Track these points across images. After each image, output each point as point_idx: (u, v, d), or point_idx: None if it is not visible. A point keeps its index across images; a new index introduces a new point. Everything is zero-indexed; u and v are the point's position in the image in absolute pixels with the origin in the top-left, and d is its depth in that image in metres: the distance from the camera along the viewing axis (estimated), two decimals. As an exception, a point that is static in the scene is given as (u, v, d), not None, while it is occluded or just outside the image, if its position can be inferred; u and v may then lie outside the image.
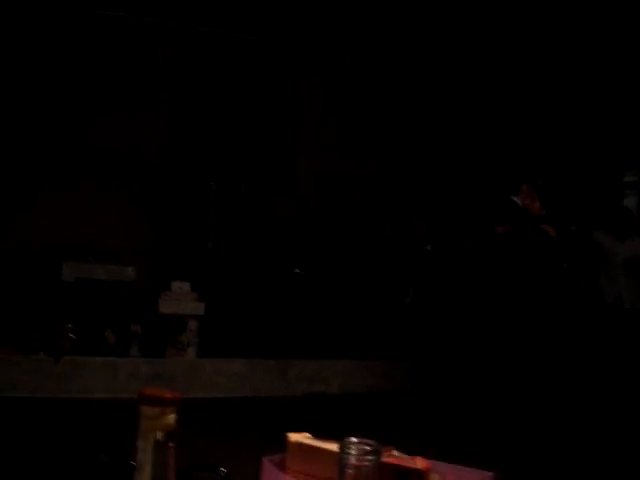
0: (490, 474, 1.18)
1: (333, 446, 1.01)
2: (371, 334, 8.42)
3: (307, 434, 1.21)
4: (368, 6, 9.43)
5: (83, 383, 6.98)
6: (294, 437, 1.19)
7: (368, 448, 0.85)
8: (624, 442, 5.97)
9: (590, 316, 7.20)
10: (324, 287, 8.61)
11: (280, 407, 7.14)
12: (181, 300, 7.52)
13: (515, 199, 6.36)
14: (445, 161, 10.11)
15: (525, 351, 5.69)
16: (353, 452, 0.85)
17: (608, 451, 5.79)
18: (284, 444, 1.21)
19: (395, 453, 1.20)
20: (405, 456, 1.17)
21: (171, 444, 0.93)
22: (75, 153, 8.49)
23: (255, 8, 9.20)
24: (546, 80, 9.85)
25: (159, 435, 0.93)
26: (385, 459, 1.11)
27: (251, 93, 9.48)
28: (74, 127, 8.49)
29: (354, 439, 0.86)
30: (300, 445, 1.18)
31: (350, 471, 0.85)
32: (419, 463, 1.10)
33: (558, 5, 9.13)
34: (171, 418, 0.92)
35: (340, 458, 0.83)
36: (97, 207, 8.44)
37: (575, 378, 6.76)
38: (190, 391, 7.22)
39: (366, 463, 0.85)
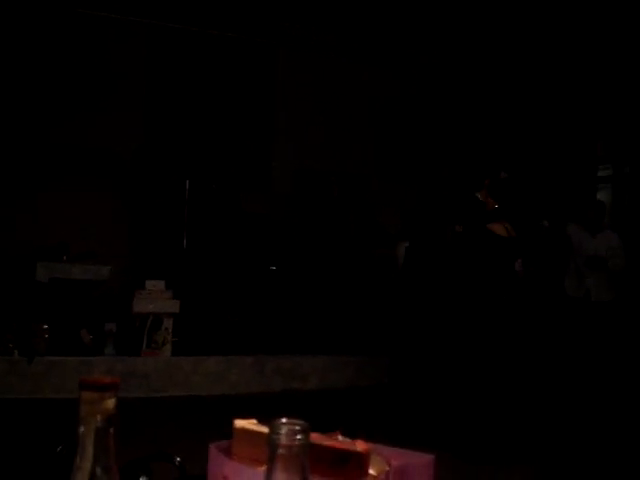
0: (431, 456, 1.21)
1: (274, 430, 1.04)
2: (347, 329, 8.46)
3: (253, 420, 1.24)
4: (341, 2, 9.45)
5: (58, 383, 6.95)
6: (240, 423, 1.22)
7: (297, 428, 0.88)
8: (594, 427, 6.05)
9: (549, 309, 7.26)
10: (299, 283, 8.63)
11: (257, 403, 7.15)
12: (156, 298, 7.52)
13: (477, 195, 6.40)
14: (418, 156, 10.17)
15: (492, 345, 5.75)
16: (282, 432, 0.87)
17: (574, 437, 5.87)
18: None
19: (339, 437, 1.23)
20: (348, 440, 1.20)
21: (111, 430, 0.96)
22: (48, 153, 8.47)
23: (229, 5, 9.19)
24: (517, 73, 9.92)
25: (99, 420, 0.95)
26: (325, 442, 1.14)
27: (226, 90, 9.48)
28: (47, 127, 8.47)
29: (283, 419, 0.88)
30: (245, 430, 1.21)
31: (280, 451, 0.87)
32: (359, 446, 1.13)
33: (529, 4, 9.20)
34: (110, 403, 0.94)
35: (269, 439, 0.86)
36: (71, 207, 8.42)
37: (543, 369, 6.85)
38: (166, 389, 7.24)
39: (296, 442, 0.87)
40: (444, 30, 9.78)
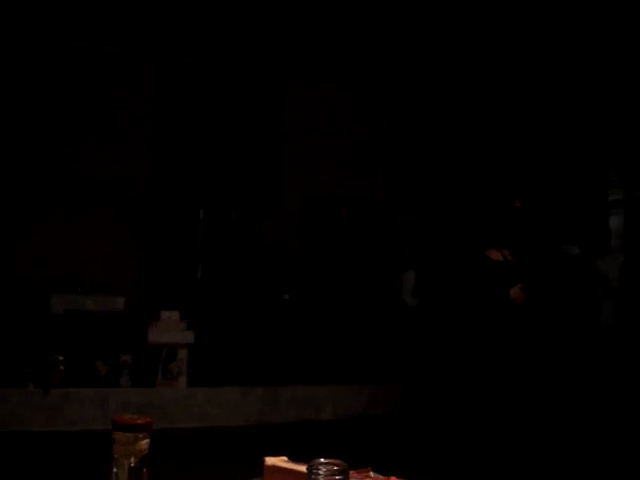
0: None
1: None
2: (361, 358, 8.41)
3: (284, 457, 1.22)
4: (346, 31, 9.52)
5: (74, 415, 6.93)
6: (270, 460, 1.21)
7: (336, 468, 0.87)
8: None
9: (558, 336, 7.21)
10: (313, 312, 8.61)
11: (272, 434, 7.10)
12: (170, 329, 7.50)
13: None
14: (431, 183, 10.18)
15: (507, 375, 5.73)
16: (321, 472, 0.86)
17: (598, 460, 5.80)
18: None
19: (371, 474, 1.21)
20: (380, 476, 1.19)
21: (145, 469, 0.95)
22: (61, 184, 8.51)
23: (237, 37, 9.27)
24: (529, 99, 9.94)
25: (133, 461, 0.94)
26: (359, 480, 1.12)
27: (235, 120, 9.54)
28: (60, 159, 8.52)
29: (322, 459, 0.87)
30: (276, 468, 1.19)
31: (319, 491, 0.86)
32: (393, 483, 1.11)
33: (540, 26, 9.23)
34: (144, 444, 0.94)
35: (308, 479, 0.85)
36: (85, 238, 8.45)
37: (561, 394, 6.80)
38: (181, 421, 7.20)
39: (334, 483, 0.86)
40: (453, 56, 9.82)
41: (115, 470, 0.95)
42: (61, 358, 7.11)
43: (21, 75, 8.45)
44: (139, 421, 0.92)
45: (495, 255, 6.02)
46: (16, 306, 7.65)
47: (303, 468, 1.13)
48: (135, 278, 8.42)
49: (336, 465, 0.86)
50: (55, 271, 7.96)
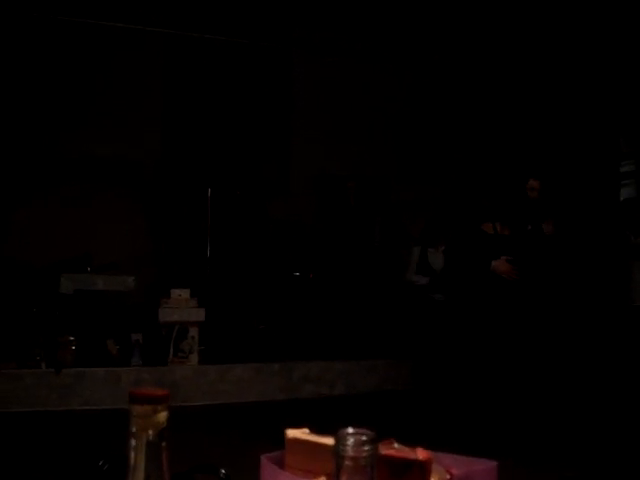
0: (494, 463, 1.16)
1: (330, 440, 0.99)
2: (373, 333, 8.40)
3: (306, 430, 1.19)
4: (355, 4, 9.42)
5: (87, 394, 6.95)
6: (292, 433, 1.17)
7: (364, 438, 0.83)
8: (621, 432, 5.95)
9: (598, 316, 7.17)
10: (324, 288, 8.58)
11: (286, 410, 7.10)
12: (181, 307, 7.49)
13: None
14: (439, 159, 10.09)
15: (521, 350, 5.73)
16: (349, 443, 0.82)
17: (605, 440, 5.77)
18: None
19: (395, 445, 1.17)
20: (406, 448, 1.15)
21: (164, 443, 0.91)
22: (70, 164, 8.49)
23: (244, 11, 9.18)
24: (539, 70, 9.82)
25: (151, 434, 0.90)
26: (385, 451, 1.08)
27: (243, 97, 9.47)
28: (69, 139, 8.49)
29: (350, 429, 0.83)
30: (298, 441, 1.16)
31: (347, 463, 0.82)
32: (420, 454, 1.07)
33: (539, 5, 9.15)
34: (162, 416, 0.90)
35: (336, 450, 0.80)
36: (93, 218, 8.43)
37: (573, 373, 6.78)
38: (194, 398, 7.21)
39: (363, 454, 0.82)
40: (463, 29, 9.72)
41: (133, 444, 0.91)
42: (72, 338, 7.11)
43: (30, 54, 8.40)
44: (157, 393, 0.88)
45: (487, 227, 6.05)
46: (27, 287, 7.66)
47: (326, 440, 1.10)
48: (145, 257, 8.40)
49: (365, 435, 0.82)
50: (65, 252, 7.94)
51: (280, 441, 1.32)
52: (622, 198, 9.62)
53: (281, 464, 1.17)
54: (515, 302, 6.05)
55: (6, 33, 8.27)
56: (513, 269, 6.03)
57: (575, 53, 9.52)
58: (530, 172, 7.07)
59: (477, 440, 5.10)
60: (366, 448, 0.81)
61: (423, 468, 1.06)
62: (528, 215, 6.37)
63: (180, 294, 7.56)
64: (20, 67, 8.37)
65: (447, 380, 6.79)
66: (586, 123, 9.76)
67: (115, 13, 8.68)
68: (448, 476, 1.10)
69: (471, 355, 6.15)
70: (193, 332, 7.49)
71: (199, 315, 7.57)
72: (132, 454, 0.92)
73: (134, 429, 0.91)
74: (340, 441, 0.81)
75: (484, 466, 1.16)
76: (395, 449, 1.13)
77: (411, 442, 1.21)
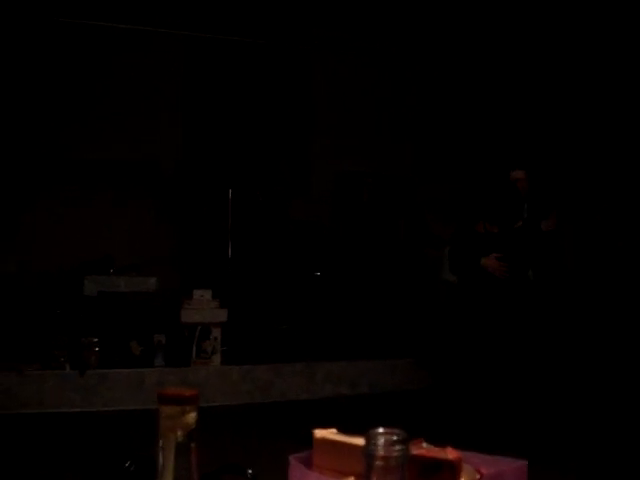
0: (524, 462, 1.15)
1: (359, 440, 0.98)
2: (395, 333, 8.37)
3: (333, 429, 1.18)
4: (373, 4, 9.40)
5: (110, 395, 6.99)
6: (320, 433, 1.16)
7: (395, 438, 0.81)
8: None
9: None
10: (346, 288, 8.57)
11: (309, 410, 7.10)
12: (203, 308, 7.50)
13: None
14: (460, 155, 10.05)
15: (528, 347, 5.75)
16: (380, 443, 0.81)
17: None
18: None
19: (424, 445, 1.16)
20: (435, 447, 1.14)
21: (193, 444, 0.91)
22: (91, 167, 8.54)
23: (263, 12, 9.19)
24: (550, 74, 9.75)
25: (180, 435, 0.90)
26: (414, 451, 1.07)
27: (263, 97, 9.48)
28: (90, 141, 8.54)
29: (380, 429, 0.82)
30: (326, 441, 1.15)
31: (378, 463, 0.81)
32: (450, 454, 1.06)
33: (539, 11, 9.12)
34: (191, 417, 0.90)
35: (366, 450, 0.80)
36: (116, 220, 8.48)
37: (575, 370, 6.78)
38: (217, 399, 7.22)
39: (395, 454, 0.81)
40: (477, 28, 9.67)
41: (162, 445, 0.90)
42: (96, 340, 7.15)
43: (52, 57, 8.46)
44: (186, 393, 0.87)
45: (478, 226, 6.09)
46: (50, 289, 7.72)
47: (354, 440, 1.09)
48: (167, 258, 8.43)
49: (396, 434, 0.81)
50: (87, 254, 8.00)
51: (305, 441, 1.32)
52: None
53: (309, 464, 1.17)
54: (515, 302, 6.06)
55: (27, 37, 8.34)
56: (501, 266, 6.03)
57: (571, 52, 9.45)
58: (513, 163, 7.10)
59: (501, 439, 5.08)
60: (397, 448, 0.80)
61: (453, 468, 1.05)
62: (518, 210, 6.32)
63: (202, 295, 7.56)
64: (42, 71, 8.43)
65: (468, 379, 6.77)
66: (606, 112, 9.65)
67: (136, 16, 8.72)
68: (478, 476, 1.09)
69: (488, 353, 6.14)
70: (216, 333, 7.50)
71: (221, 316, 7.57)
72: (160, 455, 0.91)
73: (162, 430, 0.91)
74: (371, 441, 0.81)
75: (514, 465, 1.15)
76: (425, 449, 1.12)
77: (437, 441, 1.20)
